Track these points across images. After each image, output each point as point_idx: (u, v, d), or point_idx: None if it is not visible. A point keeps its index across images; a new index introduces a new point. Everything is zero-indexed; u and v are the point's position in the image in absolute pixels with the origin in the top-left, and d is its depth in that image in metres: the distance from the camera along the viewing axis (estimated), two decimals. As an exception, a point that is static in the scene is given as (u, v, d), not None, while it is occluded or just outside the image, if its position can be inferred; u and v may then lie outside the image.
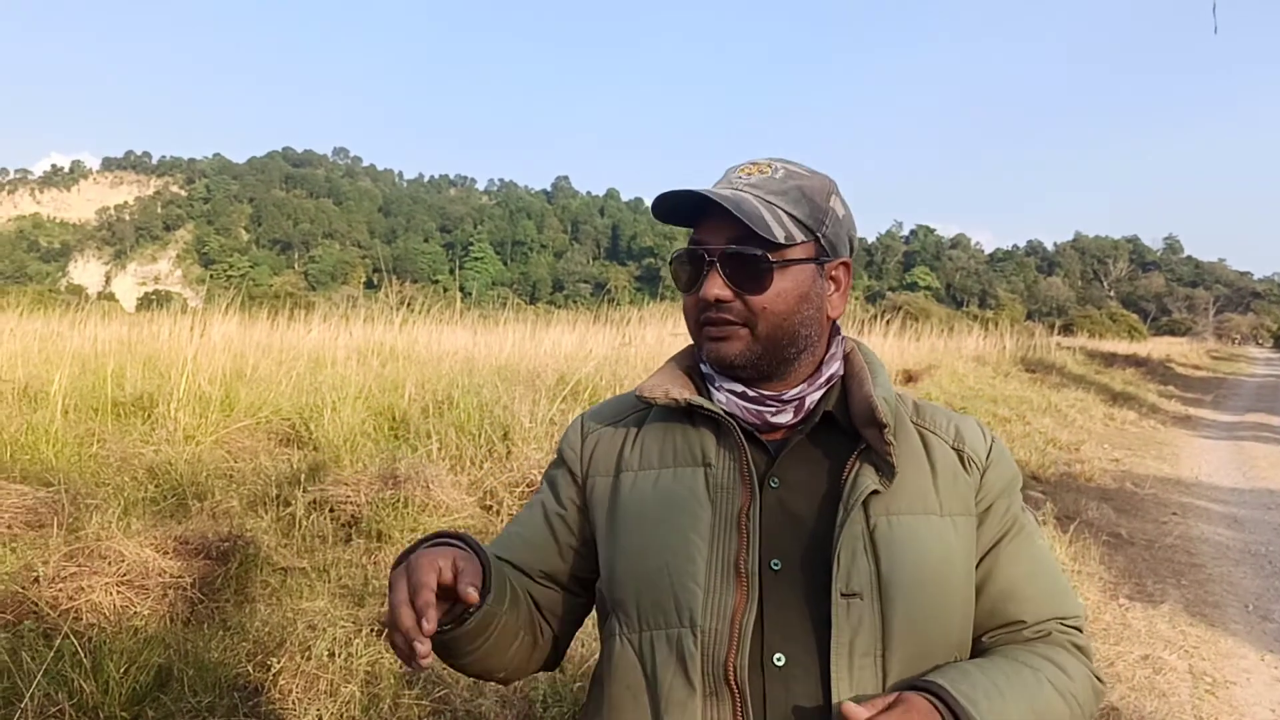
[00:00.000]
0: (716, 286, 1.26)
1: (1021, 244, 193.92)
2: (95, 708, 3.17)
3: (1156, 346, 46.02)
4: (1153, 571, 6.45)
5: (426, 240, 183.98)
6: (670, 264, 1.35)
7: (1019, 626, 1.30)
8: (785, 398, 1.31)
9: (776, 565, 1.23)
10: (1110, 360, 28.67)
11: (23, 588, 3.88)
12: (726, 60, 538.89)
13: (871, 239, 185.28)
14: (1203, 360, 42.40)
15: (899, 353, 17.99)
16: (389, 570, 1.26)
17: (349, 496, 5.43)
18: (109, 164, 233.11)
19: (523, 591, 1.37)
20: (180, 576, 4.21)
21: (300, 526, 5.16)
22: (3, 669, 3.30)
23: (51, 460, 5.67)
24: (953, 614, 1.25)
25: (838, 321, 1.40)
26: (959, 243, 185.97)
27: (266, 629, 3.93)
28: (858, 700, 1.14)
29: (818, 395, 1.33)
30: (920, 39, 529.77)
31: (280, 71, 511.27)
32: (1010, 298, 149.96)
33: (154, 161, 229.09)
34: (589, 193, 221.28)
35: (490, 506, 5.76)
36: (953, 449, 1.35)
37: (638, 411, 1.44)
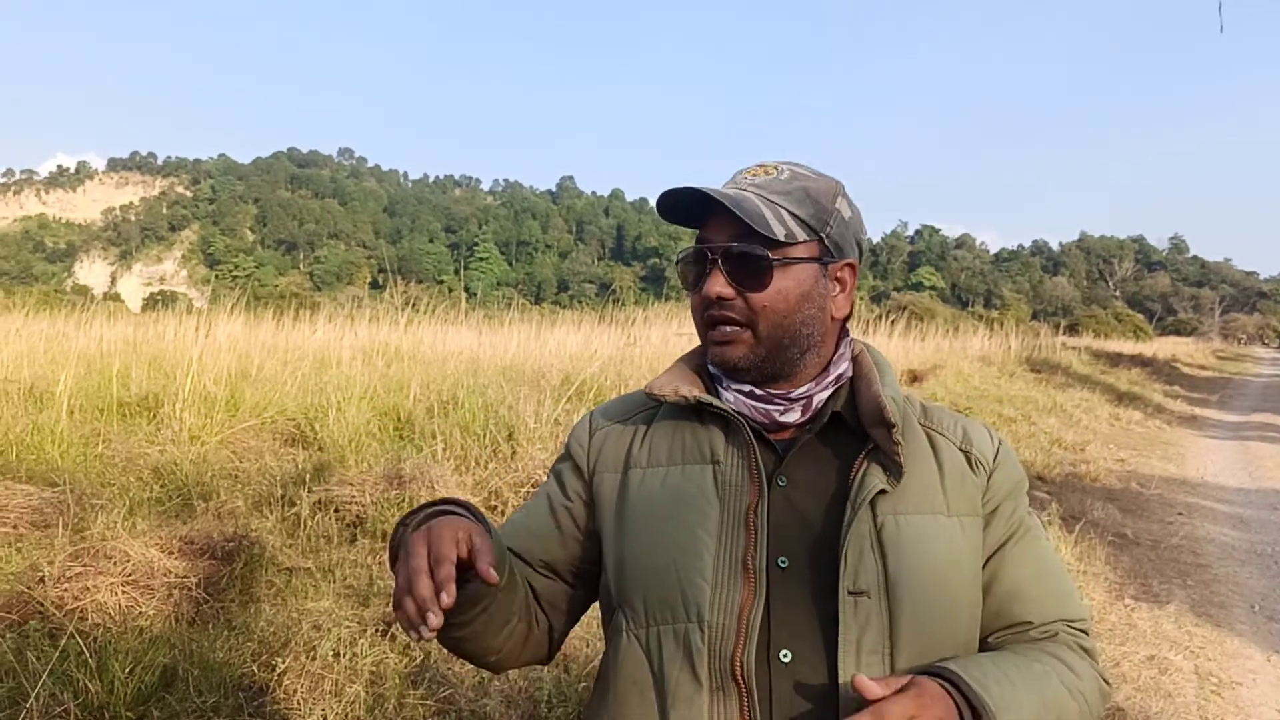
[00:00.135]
0: (718, 284, 1.26)
1: (1027, 244, 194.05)
2: (100, 708, 3.18)
3: (1162, 346, 45.94)
4: (1158, 572, 6.44)
5: (431, 240, 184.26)
6: (677, 263, 1.36)
7: (1025, 627, 1.30)
8: (793, 396, 1.32)
9: (784, 563, 1.24)
10: (1116, 360, 28.61)
11: (28, 587, 3.89)
12: (726, 60, 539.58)
13: (876, 239, 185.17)
14: (1208, 360, 42.36)
15: (904, 353, 17.97)
16: (397, 551, 1.23)
17: (354, 497, 5.44)
18: (114, 164, 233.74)
19: (521, 578, 1.37)
20: (185, 576, 4.22)
21: (305, 527, 5.16)
22: (8, 669, 3.30)
23: (57, 460, 5.68)
24: (960, 613, 1.25)
25: (846, 324, 1.41)
26: (964, 243, 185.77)
27: (271, 629, 3.94)
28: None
29: (825, 395, 1.34)
30: (920, 39, 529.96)
31: (285, 72, 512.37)
32: (1015, 298, 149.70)
33: (159, 162, 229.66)
34: (594, 193, 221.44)
35: (495, 507, 5.76)
36: (960, 450, 1.35)
37: (647, 409, 1.45)
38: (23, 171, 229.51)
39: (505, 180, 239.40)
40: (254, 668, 3.61)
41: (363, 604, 4.31)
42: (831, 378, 1.35)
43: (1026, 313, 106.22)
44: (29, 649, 3.41)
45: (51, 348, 8.75)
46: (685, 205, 1.31)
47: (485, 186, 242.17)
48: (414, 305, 12.81)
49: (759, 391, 1.32)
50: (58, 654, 3.36)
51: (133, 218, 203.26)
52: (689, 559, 1.25)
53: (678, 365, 1.44)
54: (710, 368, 1.40)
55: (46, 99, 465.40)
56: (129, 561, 4.12)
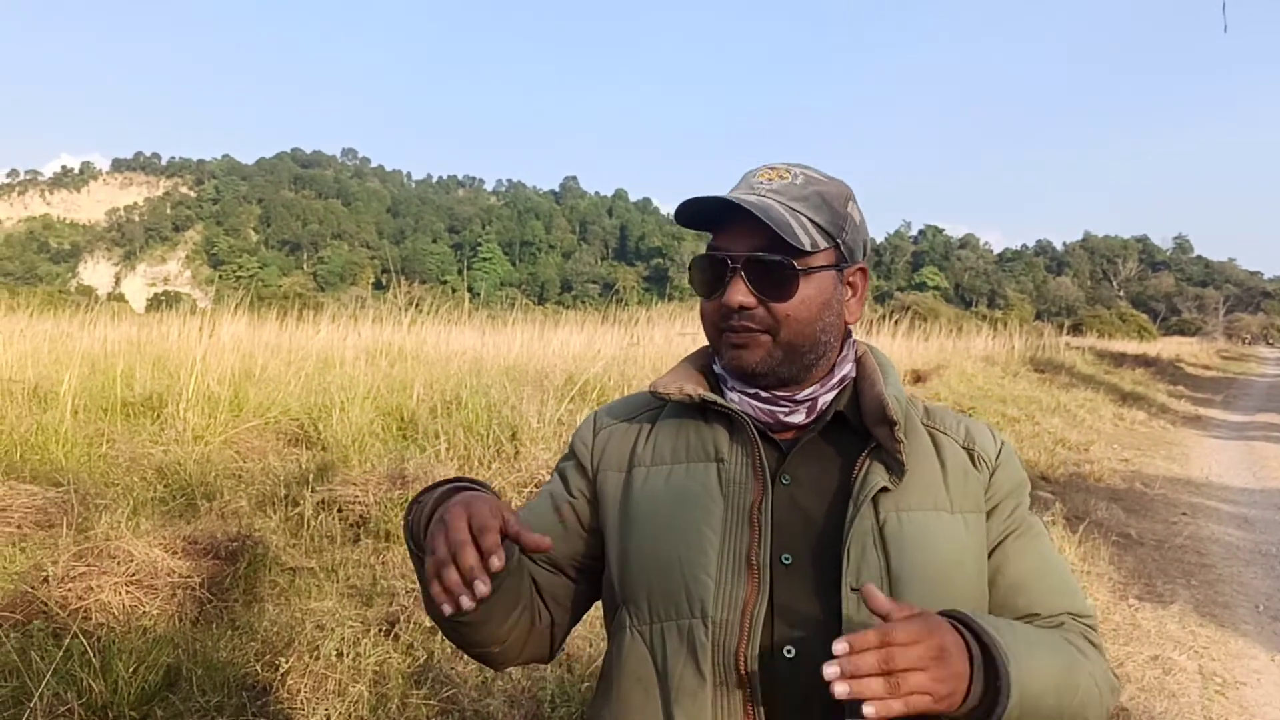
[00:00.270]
0: (740, 293, 1.26)
1: (1030, 244, 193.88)
2: (104, 707, 3.18)
3: (1166, 346, 45.88)
4: (1162, 572, 6.43)
5: (435, 241, 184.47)
6: (690, 269, 1.35)
7: (1030, 619, 1.30)
8: (798, 398, 1.33)
9: (787, 560, 1.24)
10: (1120, 360, 28.57)
11: (32, 587, 3.89)
12: (726, 60, 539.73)
13: (880, 239, 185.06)
14: (1213, 360, 42.27)
15: (907, 353, 17.95)
16: (414, 529, 1.23)
17: (357, 496, 5.44)
18: (118, 165, 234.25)
19: (526, 570, 1.37)
20: (189, 576, 4.22)
21: (309, 526, 5.17)
22: (12, 668, 3.30)
23: (61, 460, 5.68)
24: (964, 609, 1.24)
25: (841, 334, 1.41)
26: (968, 243, 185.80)
27: (275, 629, 3.94)
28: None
29: (830, 396, 1.35)
30: (920, 39, 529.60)
31: (289, 72, 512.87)
32: (1019, 298, 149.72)
33: (163, 163, 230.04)
34: (597, 193, 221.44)
35: (498, 507, 5.75)
36: (963, 448, 1.36)
37: (651, 409, 1.45)
38: (27, 172, 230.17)
39: (509, 180, 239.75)
40: (257, 667, 3.62)
41: (366, 604, 4.32)
42: (836, 379, 1.36)
43: (1030, 313, 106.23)
44: (33, 648, 3.41)
45: (56, 348, 8.77)
46: (700, 211, 1.31)
47: (489, 187, 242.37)
48: (417, 305, 12.82)
49: (764, 393, 1.32)
50: (62, 653, 3.36)
51: (137, 218, 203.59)
52: (693, 555, 1.25)
53: (682, 365, 1.45)
54: (716, 367, 1.41)
55: (51, 99, 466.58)
56: (133, 561, 4.13)
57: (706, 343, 1.43)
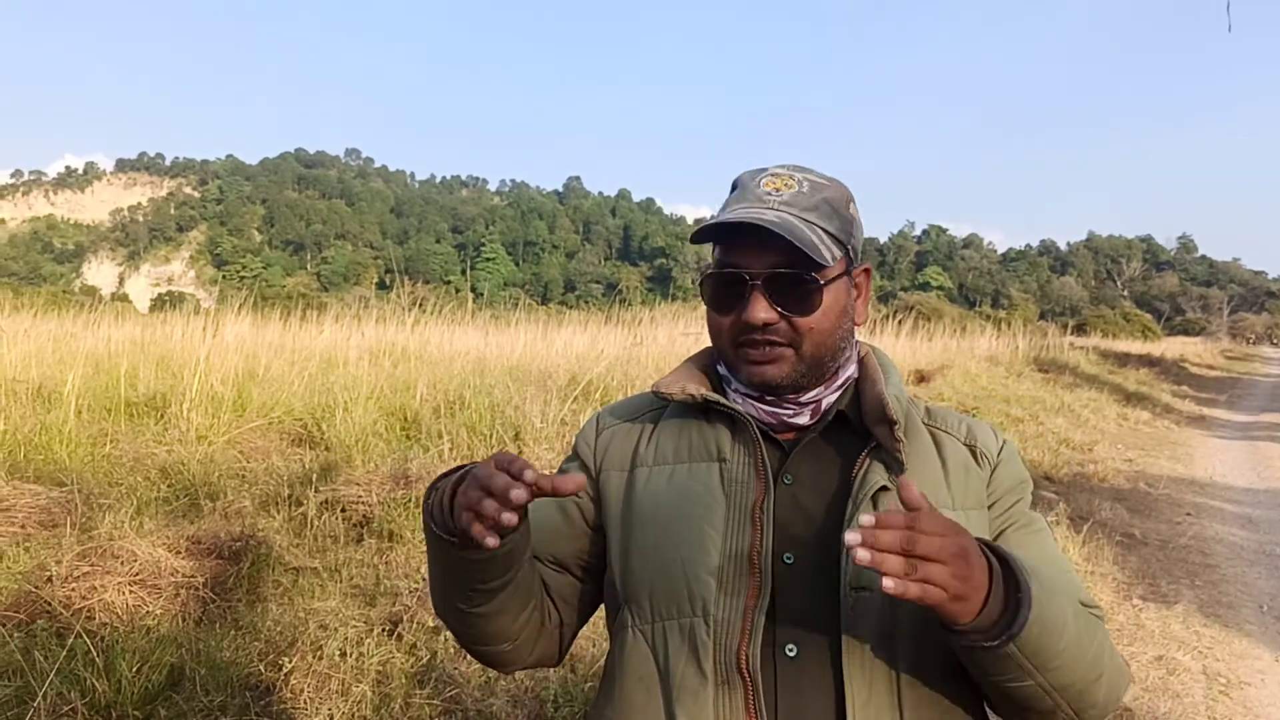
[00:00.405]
0: (763, 309, 1.26)
1: (1034, 244, 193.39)
2: (108, 706, 3.19)
3: (1170, 346, 45.79)
4: (1166, 572, 6.42)
5: (438, 241, 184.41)
6: (702, 285, 1.35)
7: None
8: (803, 400, 1.33)
9: (789, 559, 1.24)
10: (1124, 360, 28.54)
11: (36, 587, 3.90)
12: (726, 60, 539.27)
13: (883, 239, 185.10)
14: (1217, 360, 42.20)
15: (911, 353, 17.95)
16: (433, 512, 1.23)
17: (361, 496, 5.45)
18: (122, 165, 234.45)
19: (535, 568, 1.38)
20: (192, 576, 4.23)
21: (312, 526, 5.17)
22: (16, 668, 3.31)
23: (65, 460, 5.69)
24: None
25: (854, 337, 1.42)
26: (971, 242, 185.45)
27: (278, 628, 3.95)
28: (870, 693, 1.17)
29: (833, 397, 1.35)
30: (920, 39, 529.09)
31: (292, 73, 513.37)
32: (1023, 297, 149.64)
33: (167, 163, 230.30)
34: (600, 193, 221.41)
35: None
36: (965, 445, 1.36)
37: (654, 409, 1.46)
38: (31, 172, 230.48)
39: (512, 181, 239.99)
40: (261, 667, 3.62)
41: (369, 603, 4.32)
42: (840, 380, 1.36)
43: (1034, 312, 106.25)
44: (36, 648, 3.42)
45: (59, 348, 8.78)
46: (713, 228, 1.31)
47: (492, 187, 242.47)
48: (421, 305, 12.84)
49: (769, 395, 1.33)
50: (65, 653, 3.37)
51: (140, 218, 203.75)
52: (695, 554, 1.26)
53: (685, 365, 1.46)
54: (719, 368, 1.42)
55: (54, 100, 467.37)
56: (136, 561, 4.14)
57: (709, 343, 1.43)
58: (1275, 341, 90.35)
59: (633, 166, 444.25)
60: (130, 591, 3.97)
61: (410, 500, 5.39)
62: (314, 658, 3.67)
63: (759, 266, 1.26)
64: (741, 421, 1.32)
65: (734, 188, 1.37)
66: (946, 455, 1.34)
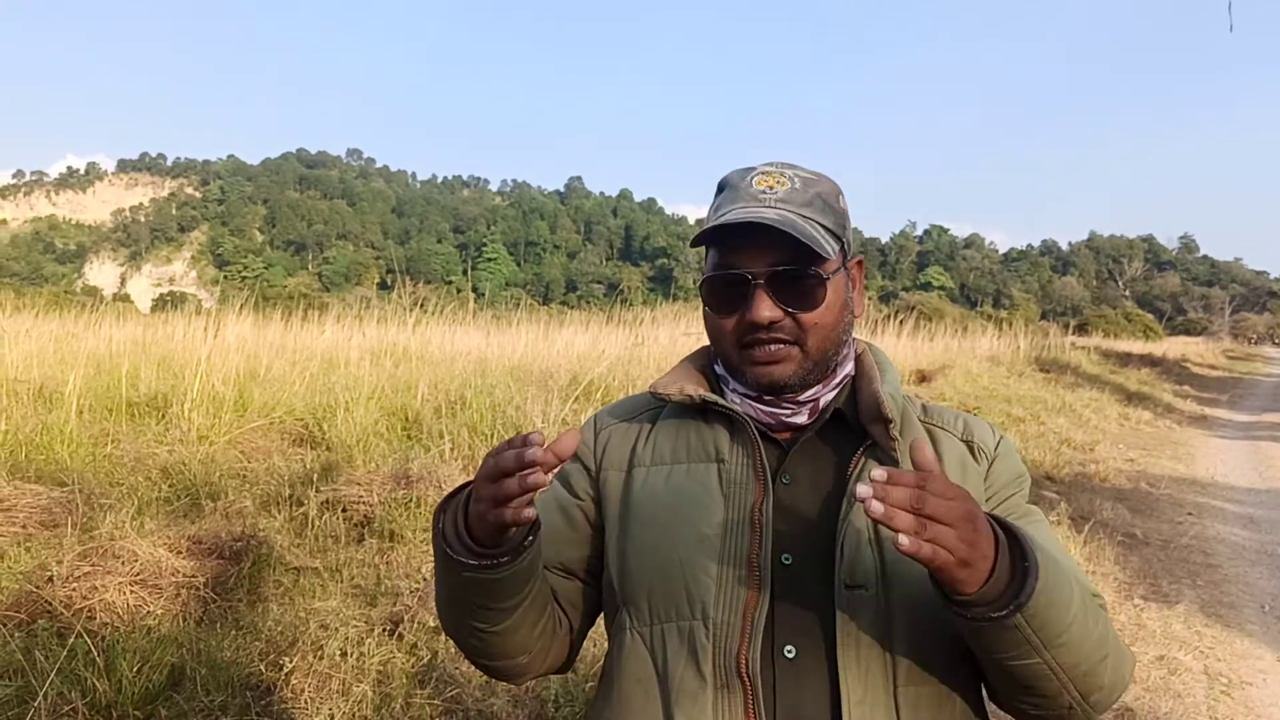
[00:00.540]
0: (767, 308, 1.26)
1: (1036, 244, 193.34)
2: (108, 706, 3.19)
3: (1172, 346, 45.76)
4: (1168, 572, 6.42)
5: (440, 241, 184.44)
6: (702, 288, 1.34)
7: None
8: (801, 399, 1.33)
9: (787, 560, 1.24)
10: (1125, 360, 28.54)
11: (37, 587, 3.90)
12: (727, 60, 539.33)
13: (885, 239, 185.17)
14: (1218, 360, 42.20)
15: (912, 353, 17.94)
16: (444, 533, 1.22)
17: (361, 496, 5.45)
18: (124, 165, 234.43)
19: (545, 576, 1.37)
20: (193, 576, 4.23)
21: (313, 526, 5.17)
22: (17, 668, 3.31)
23: (66, 460, 5.69)
24: None
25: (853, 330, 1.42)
26: (973, 242, 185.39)
27: (279, 628, 3.95)
28: (866, 691, 1.16)
29: (831, 395, 1.35)
30: (921, 39, 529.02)
31: (294, 73, 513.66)
32: (1025, 297, 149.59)
33: (169, 163, 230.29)
34: (602, 193, 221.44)
35: (502, 506, 5.75)
36: (962, 440, 1.36)
37: (652, 409, 1.45)
38: (33, 173, 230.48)
39: (513, 181, 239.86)
40: (261, 667, 3.62)
41: (370, 604, 4.32)
42: (838, 379, 1.36)
43: (1035, 312, 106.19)
44: (37, 648, 3.42)
45: (61, 348, 8.78)
46: (712, 232, 1.30)
47: (493, 187, 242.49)
48: (422, 306, 12.86)
49: (768, 395, 1.32)
50: (66, 653, 3.37)
51: (142, 219, 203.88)
52: (694, 556, 1.25)
53: (683, 365, 1.45)
54: (717, 368, 1.41)
55: (56, 100, 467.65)
56: (137, 561, 4.14)
57: (708, 342, 1.43)
58: (1277, 341, 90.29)
59: (634, 166, 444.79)
60: (131, 591, 3.97)
61: (411, 500, 5.39)
62: (315, 658, 3.67)
63: (760, 266, 1.26)
64: (739, 422, 1.32)
65: (721, 188, 1.37)
66: (943, 452, 1.33)
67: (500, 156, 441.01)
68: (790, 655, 1.20)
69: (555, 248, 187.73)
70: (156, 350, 9.07)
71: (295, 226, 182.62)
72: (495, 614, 1.24)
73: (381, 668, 3.67)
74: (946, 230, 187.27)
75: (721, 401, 1.33)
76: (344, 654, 3.69)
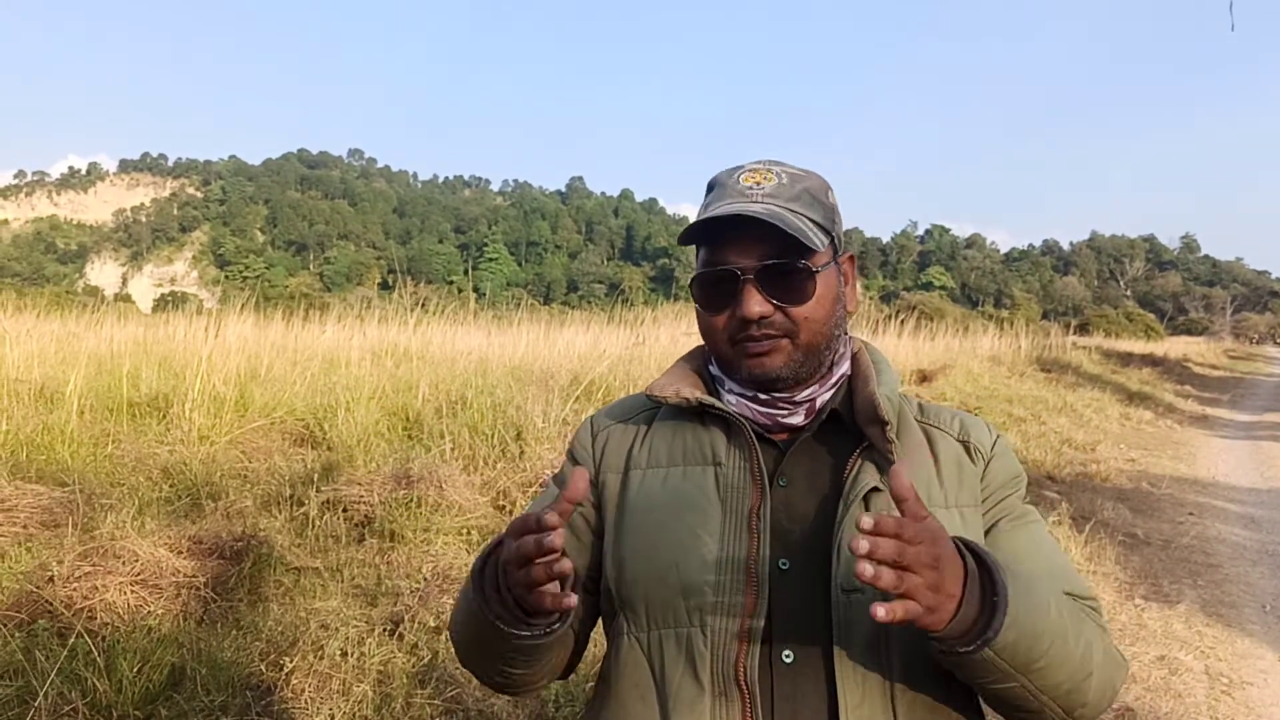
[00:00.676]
0: (757, 303, 1.25)
1: (1037, 243, 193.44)
2: (109, 706, 3.19)
3: (1173, 346, 45.72)
4: (1169, 572, 6.41)
5: (441, 241, 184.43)
6: (691, 286, 1.34)
7: None
8: (797, 399, 1.32)
9: (784, 565, 1.23)
10: (1126, 360, 28.50)
11: (37, 587, 3.90)
12: (728, 60, 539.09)
13: (886, 239, 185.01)
14: (1220, 360, 42.15)
15: (913, 352, 17.92)
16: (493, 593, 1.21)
17: (362, 496, 5.45)
18: (125, 166, 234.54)
19: None
20: (194, 576, 4.23)
21: (314, 526, 5.17)
22: (17, 668, 3.31)
23: (67, 460, 5.69)
24: None
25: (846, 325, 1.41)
26: (974, 242, 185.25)
27: (279, 628, 3.94)
28: (863, 695, 1.16)
29: (828, 395, 1.34)
30: (920, 39, 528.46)
31: (295, 74, 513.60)
32: (1026, 297, 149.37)
33: (170, 163, 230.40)
34: (603, 193, 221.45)
35: (503, 506, 5.76)
36: (958, 441, 1.35)
37: (648, 410, 1.44)
38: (34, 173, 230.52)
39: (515, 181, 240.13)
40: (262, 667, 3.62)
41: (370, 603, 4.32)
42: (834, 378, 1.35)
43: (1037, 312, 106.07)
44: (38, 648, 3.42)
45: (62, 348, 8.77)
46: (700, 230, 1.30)
47: (495, 187, 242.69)
48: (423, 306, 12.87)
49: (763, 395, 1.31)
50: (66, 653, 3.37)
51: (144, 219, 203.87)
52: (691, 562, 1.24)
53: (678, 366, 1.44)
54: (712, 368, 1.41)
55: (57, 100, 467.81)
56: (138, 561, 4.14)
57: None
58: (1278, 341, 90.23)
59: (635, 166, 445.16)
60: (132, 591, 3.97)
61: (412, 500, 5.39)
62: (315, 658, 3.67)
63: (749, 261, 1.26)
64: (736, 424, 1.31)
65: (710, 188, 1.37)
66: (939, 452, 1.32)
67: (501, 156, 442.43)
68: (788, 660, 1.19)
69: (556, 248, 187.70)
70: (158, 350, 9.06)
71: (296, 227, 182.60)
72: (527, 661, 1.24)
73: (382, 668, 3.67)
74: (948, 230, 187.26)
75: (718, 404, 1.32)
76: (344, 654, 3.70)
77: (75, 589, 3.90)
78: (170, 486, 5.57)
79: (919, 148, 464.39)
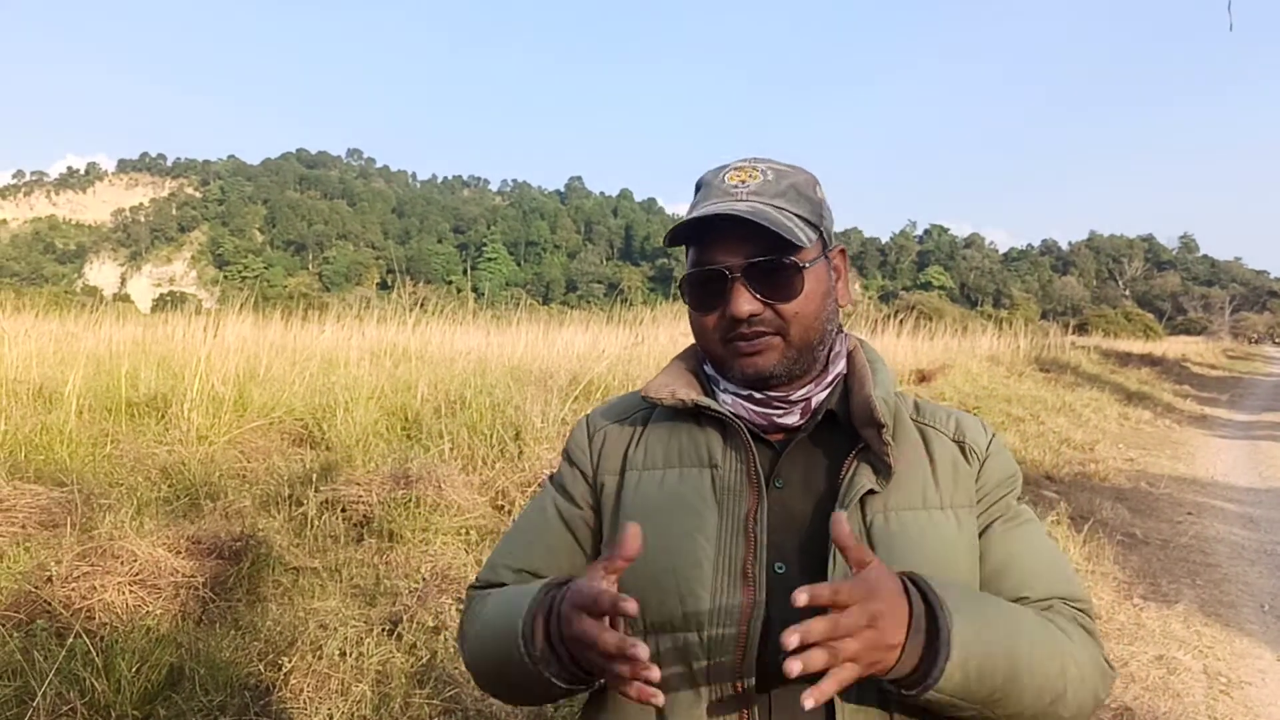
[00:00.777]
0: (746, 301, 1.25)
1: (1036, 243, 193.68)
2: (107, 706, 3.18)
3: (1172, 346, 45.72)
4: (1167, 571, 6.41)
5: (440, 241, 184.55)
6: (681, 287, 1.33)
7: (1019, 603, 1.25)
8: (792, 399, 1.31)
9: (780, 569, 1.22)
10: (1125, 359, 28.49)
11: (36, 587, 3.90)
12: (728, 60, 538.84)
13: (885, 239, 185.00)
14: (1218, 359, 42.16)
15: (912, 352, 17.92)
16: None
17: (361, 496, 5.44)
18: (124, 166, 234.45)
19: None
20: (192, 576, 4.23)
21: (312, 526, 5.17)
22: (16, 668, 3.31)
23: (65, 460, 5.69)
24: None
25: (839, 321, 1.40)
26: (973, 242, 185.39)
27: (278, 628, 3.94)
28: (860, 699, 1.15)
29: (823, 395, 1.33)
30: (921, 39, 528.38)
31: (294, 74, 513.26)
32: (1024, 297, 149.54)
33: (169, 163, 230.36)
34: (602, 193, 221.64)
35: (502, 506, 5.76)
36: (953, 441, 1.34)
37: (643, 410, 1.43)
38: (33, 173, 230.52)
39: (513, 181, 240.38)
40: (260, 667, 3.62)
41: (369, 604, 4.32)
42: (830, 377, 1.34)
43: (1035, 312, 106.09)
44: (36, 648, 3.42)
45: (61, 348, 8.78)
46: (686, 230, 1.30)
47: (493, 187, 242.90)
48: (422, 306, 12.85)
49: (758, 395, 1.31)
50: (65, 653, 3.37)
51: (142, 219, 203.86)
52: (688, 566, 1.23)
53: (673, 365, 1.43)
54: (707, 368, 1.40)
55: (56, 100, 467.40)
56: (136, 561, 4.14)
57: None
58: (1277, 341, 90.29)
59: (634, 166, 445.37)
60: (130, 591, 3.97)
61: (411, 500, 5.39)
62: (314, 657, 3.67)
63: (736, 259, 1.25)
64: (732, 425, 1.30)
65: (698, 188, 1.36)
66: (935, 453, 1.32)
67: (500, 156, 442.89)
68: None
69: (555, 248, 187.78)
70: (156, 350, 9.06)
71: (295, 226, 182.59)
72: (563, 694, 1.23)
73: (380, 668, 3.67)
74: (946, 230, 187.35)
75: (714, 406, 1.31)
76: (343, 654, 3.69)
77: (74, 589, 3.90)
78: (169, 486, 5.57)
79: (918, 147, 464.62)
